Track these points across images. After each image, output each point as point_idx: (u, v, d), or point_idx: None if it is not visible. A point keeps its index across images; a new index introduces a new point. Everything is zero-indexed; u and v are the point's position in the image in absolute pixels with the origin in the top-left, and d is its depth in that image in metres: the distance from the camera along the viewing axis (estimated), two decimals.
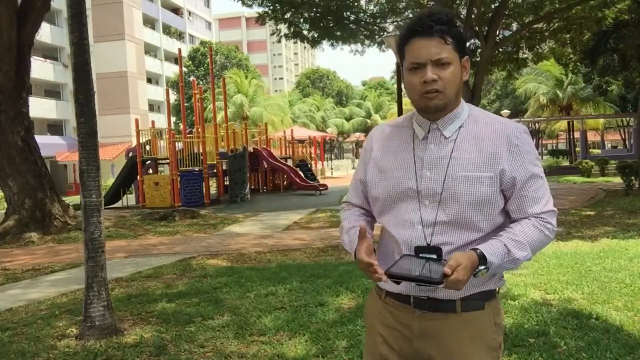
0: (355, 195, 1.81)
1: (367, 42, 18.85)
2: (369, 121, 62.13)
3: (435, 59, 1.53)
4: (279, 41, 20.43)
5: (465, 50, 1.60)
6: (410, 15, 17.81)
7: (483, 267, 1.49)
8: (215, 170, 18.94)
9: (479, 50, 17.10)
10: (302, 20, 17.45)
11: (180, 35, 58.65)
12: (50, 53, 42.74)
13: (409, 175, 1.61)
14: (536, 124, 36.11)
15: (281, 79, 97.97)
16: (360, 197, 1.80)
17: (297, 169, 22.72)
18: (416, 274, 1.48)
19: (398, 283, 1.55)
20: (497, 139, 1.58)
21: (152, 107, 51.20)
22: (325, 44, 18.51)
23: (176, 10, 58.70)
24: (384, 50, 19.17)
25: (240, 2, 17.09)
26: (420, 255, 1.55)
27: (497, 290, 1.67)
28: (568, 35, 17.66)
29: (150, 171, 18.51)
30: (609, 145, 59.18)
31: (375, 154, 1.71)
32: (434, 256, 1.53)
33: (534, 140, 59.64)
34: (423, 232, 1.57)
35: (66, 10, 4.79)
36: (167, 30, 55.84)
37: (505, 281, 1.70)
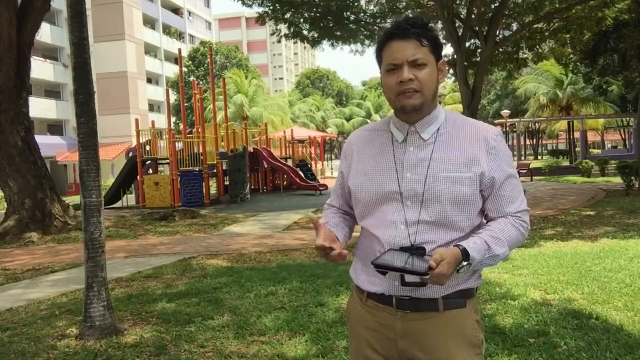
0: (336, 198, 1.88)
1: (367, 42, 18.86)
2: (369, 121, 62.02)
3: (412, 60, 1.57)
4: (279, 41, 20.44)
5: (441, 54, 1.65)
6: (410, 15, 17.84)
7: (466, 262, 1.54)
8: (215, 170, 18.94)
9: (479, 50, 17.11)
10: (302, 20, 17.46)
11: (180, 35, 58.64)
12: (50, 53, 42.75)
13: (391, 178, 1.64)
14: (536, 124, 36.11)
15: (281, 79, 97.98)
16: (339, 200, 1.86)
17: (297, 169, 22.71)
18: (401, 264, 1.50)
19: (384, 274, 1.58)
20: (475, 141, 1.64)
21: (152, 107, 51.20)
22: (325, 44, 18.54)
23: (176, 10, 58.70)
24: None
25: (240, 2, 17.10)
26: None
27: (475, 289, 1.71)
28: (568, 35, 17.68)
29: (150, 171, 18.50)
30: (609, 145, 59.22)
31: (356, 159, 1.75)
32: (419, 255, 1.57)
33: (534, 140, 59.40)
34: (407, 232, 1.61)
35: (66, 10, 4.79)
36: (167, 30, 55.84)
37: (482, 280, 1.74)
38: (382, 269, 1.52)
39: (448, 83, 50.49)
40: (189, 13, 61.41)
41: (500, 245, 1.60)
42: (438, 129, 1.65)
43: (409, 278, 1.56)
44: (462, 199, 1.60)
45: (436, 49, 1.61)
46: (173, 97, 35.80)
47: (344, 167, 1.80)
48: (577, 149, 35.21)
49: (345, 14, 17.34)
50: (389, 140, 1.69)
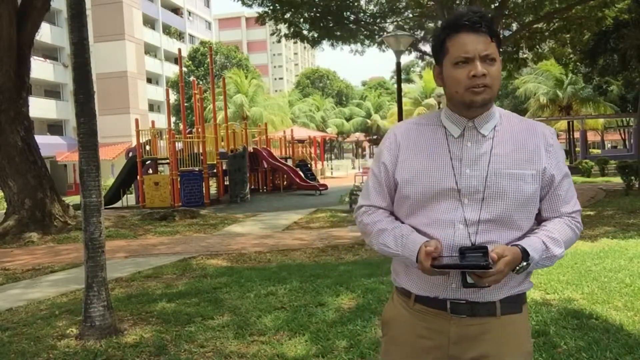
0: (381, 197, 1.69)
1: (367, 42, 18.84)
2: (369, 121, 62.07)
3: (484, 55, 1.52)
4: (279, 41, 20.42)
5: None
6: (411, 15, 17.83)
7: (525, 262, 1.49)
8: (215, 170, 18.94)
9: None
10: (302, 20, 17.44)
11: (180, 35, 58.63)
12: (50, 53, 42.74)
13: (447, 174, 1.57)
14: None
15: (281, 79, 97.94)
16: (386, 199, 1.69)
17: (297, 169, 22.72)
18: (460, 262, 1.46)
19: (443, 274, 1.52)
20: (535, 137, 1.61)
21: (152, 107, 51.19)
22: (325, 44, 18.49)
23: (176, 10, 58.69)
24: (384, 50, 19.15)
25: (240, 2, 17.09)
26: (467, 255, 1.50)
27: (526, 293, 1.67)
28: (568, 35, 17.65)
29: (150, 171, 18.51)
30: (609, 145, 59.21)
31: (405, 153, 1.64)
32: (480, 254, 1.49)
33: None
34: (467, 231, 1.54)
35: (66, 10, 4.79)
36: (167, 30, 55.84)
37: (532, 284, 1.70)
38: (442, 268, 1.47)
39: None
40: (189, 13, 61.39)
41: (558, 245, 1.55)
42: (495, 126, 1.60)
43: (470, 279, 1.49)
44: (525, 197, 1.55)
45: (500, 45, 1.58)
46: (173, 97, 35.80)
47: (388, 161, 1.66)
48: (577, 149, 35.21)
49: (345, 14, 17.31)
50: (442, 135, 1.62)
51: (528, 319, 1.67)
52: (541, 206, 1.62)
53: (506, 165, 1.56)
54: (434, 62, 1.67)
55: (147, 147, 18.23)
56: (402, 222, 1.65)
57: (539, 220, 1.65)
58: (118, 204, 18.40)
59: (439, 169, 1.58)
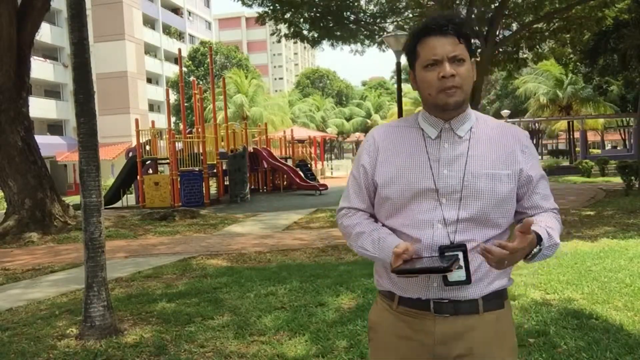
0: (360, 199, 1.72)
1: (367, 42, 18.86)
2: (369, 121, 62.08)
3: (452, 56, 1.55)
4: (279, 41, 20.44)
5: (472, 52, 1.63)
6: (411, 15, 17.83)
7: (538, 247, 1.51)
8: (215, 170, 18.94)
9: (479, 50, 17.11)
10: (302, 20, 17.45)
11: (180, 35, 58.64)
12: (50, 53, 42.74)
13: (425, 175, 1.59)
14: (536, 124, 36.09)
15: (281, 79, 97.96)
16: (366, 201, 1.71)
17: (297, 169, 22.72)
18: (420, 266, 1.46)
19: (413, 274, 1.52)
20: (510, 139, 1.64)
21: (152, 107, 51.19)
22: (325, 44, 18.52)
23: (176, 10, 58.70)
24: (384, 50, 19.17)
25: (240, 2, 17.10)
26: (446, 253, 1.52)
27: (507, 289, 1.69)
28: (568, 35, 17.65)
29: (150, 171, 18.50)
30: (609, 145, 59.25)
31: (383, 155, 1.67)
32: (460, 253, 1.51)
33: (534, 140, 60.21)
34: (445, 231, 1.56)
35: (66, 10, 4.79)
36: (167, 30, 55.84)
37: (513, 280, 1.71)
38: (402, 274, 1.48)
39: None
40: (189, 13, 61.40)
41: (556, 235, 1.59)
42: (471, 128, 1.63)
43: (452, 277, 1.51)
44: (501, 196, 1.58)
45: (470, 46, 1.60)
46: (173, 97, 35.79)
47: (367, 164, 1.68)
48: (577, 149, 35.23)
49: (345, 14, 17.33)
50: (420, 136, 1.64)
51: (511, 314, 1.69)
52: (523, 204, 1.66)
53: (483, 165, 1.59)
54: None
55: (147, 147, 18.23)
56: (383, 224, 1.67)
57: (527, 216, 1.67)
58: (118, 204, 18.40)
59: (417, 169, 1.61)
